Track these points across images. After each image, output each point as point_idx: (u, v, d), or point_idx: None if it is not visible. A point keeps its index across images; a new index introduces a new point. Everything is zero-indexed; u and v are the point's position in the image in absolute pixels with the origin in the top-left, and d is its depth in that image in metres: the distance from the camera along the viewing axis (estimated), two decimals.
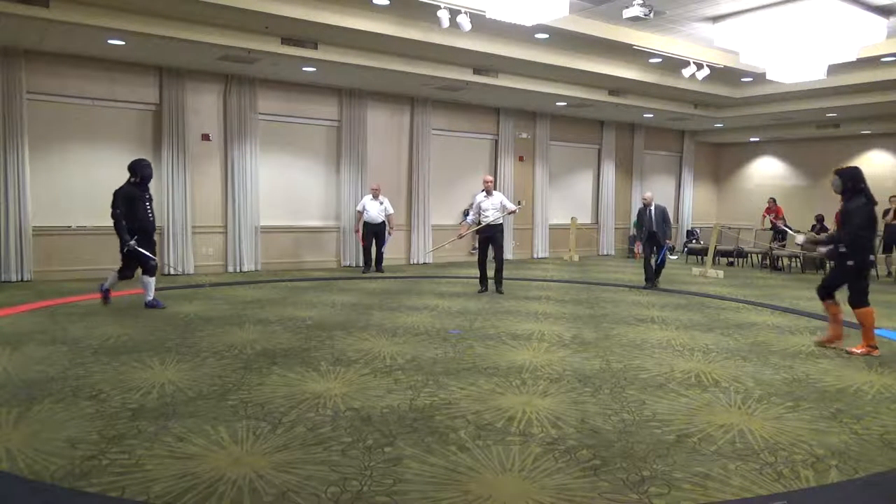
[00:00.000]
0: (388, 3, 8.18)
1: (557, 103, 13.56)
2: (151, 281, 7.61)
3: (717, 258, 13.72)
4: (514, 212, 9.45)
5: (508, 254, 14.37)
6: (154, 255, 7.61)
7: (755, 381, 5.05)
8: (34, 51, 9.41)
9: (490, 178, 9.54)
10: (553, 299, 8.91)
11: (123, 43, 8.84)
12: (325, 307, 7.92)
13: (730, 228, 15.09)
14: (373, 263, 11.61)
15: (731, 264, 14.39)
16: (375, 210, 11.36)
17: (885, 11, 8.23)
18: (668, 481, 3.23)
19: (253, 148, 11.27)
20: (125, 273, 7.58)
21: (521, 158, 14.89)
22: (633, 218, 14.55)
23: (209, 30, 8.60)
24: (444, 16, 7.82)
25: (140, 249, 7.37)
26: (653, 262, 10.25)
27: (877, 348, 5.99)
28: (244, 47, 8.94)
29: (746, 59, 9.69)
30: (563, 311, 8.02)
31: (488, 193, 9.17)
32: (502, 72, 11.24)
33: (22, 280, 9.44)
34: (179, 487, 3.05)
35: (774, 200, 15.88)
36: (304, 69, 10.38)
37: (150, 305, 7.55)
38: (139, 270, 7.60)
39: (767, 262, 13.86)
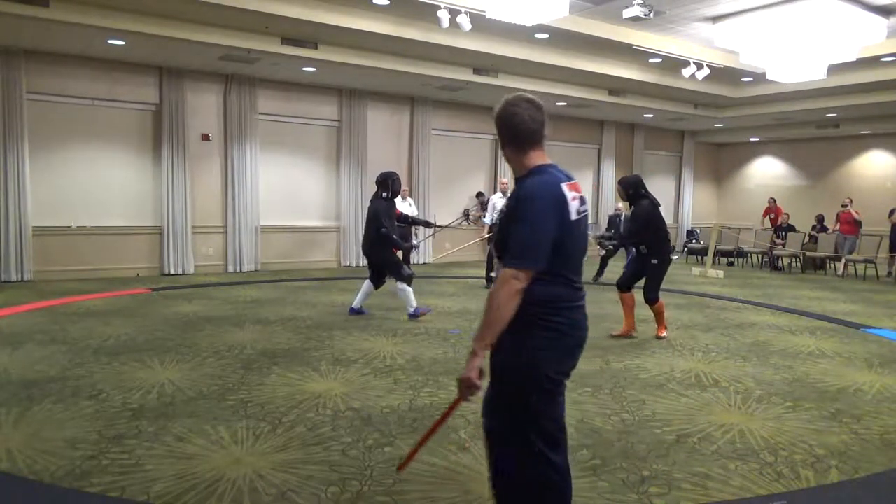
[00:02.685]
0: (388, 3, 8.18)
1: (557, 103, 13.54)
2: (409, 290, 7.20)
3: (717, 258, 13.73)
4: None
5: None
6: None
7: (755, 381, 5.05)
8: (34, 51, 9.41)
9: (506, 180, 9.68)
10: None
11: (123, 43, 8.84)
12: (325, 307, 7.92)
13: (730, 228, 15.10)
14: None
15: (731, 264, 14.39)
16: (405, 212, 10.94)
17: (885, 11, 8.23)
18: (668, 481, 3.23)
19: (253, 148, 11.27)
20: (377, 282, 7.39)
21: None
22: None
23: (209, 30, 8.60)
24: (444, 16, 7.82)
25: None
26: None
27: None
28: (244, 47, 8.94)
29: (746, 59, 9.69)
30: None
31: (504, 195, 9.28)
32: (502, 72, 11.23)
33: (22, 280, 9.44)
34: (179, 487, 3.05)
35: (774, 200, 15.89)
36: (304, 69, 10.38)
37: (412, 316, 7.15)
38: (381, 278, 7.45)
39: (767, 262, 13.86)
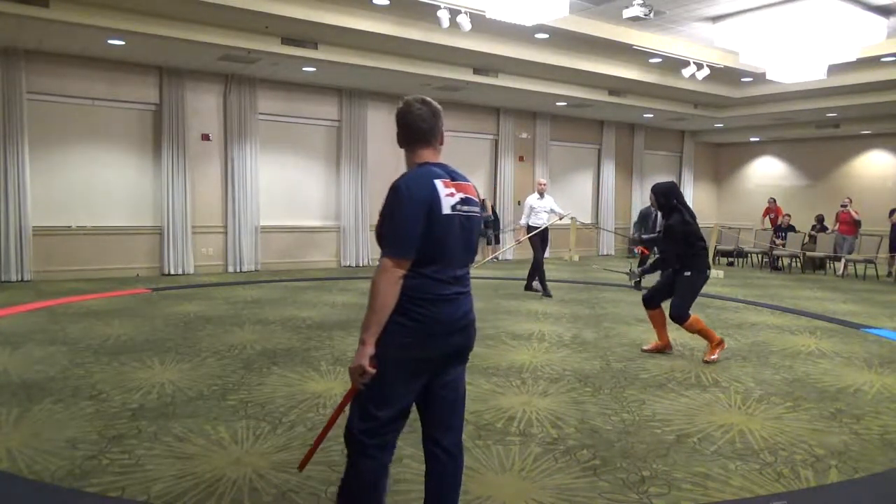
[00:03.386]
0: (388, 3, 8.18)
1: (557, 103, 13.56)
2: None
3: (717, 258, 13.73)
4: (561, 217, 9.44)
5: (508, 254, 14.40)
6: None
7: (755, 381, 5.05)
8: (34, 51, 9.41)
9: (544, 181, 9.51)
10: (553, 299, 8.90)
11: (123, 43, 8.84)
12: (325, 307, 7.92)
13: (730, 228, 15.10)
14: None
15: (731, 264, 14.39)
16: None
17: (885, 11, 8.23)
18: (668, 481, 3.23)
19: (253, 148, 11.28)
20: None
21: (521, 158, 14.89)
22: (634, 218, 14.48)
23: (209, 30, 8.60)
24: (444, 16, 7.82)
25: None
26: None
27: (723, 341, 5.77)
28: (244, 47, 8.94)
29: (746, 59, 9.69)
30: (563, 311, 8.02)
31: (541, 196, 9.15)
32: (502, 72, 11.24)
33: (22, 280, 9.44)
34: (179, 487, 3.05)
35: (774, 200, 15.90)
36: (304, 69, 10.38)
37: None
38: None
39: (767, 262, 13.87)
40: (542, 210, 9.06)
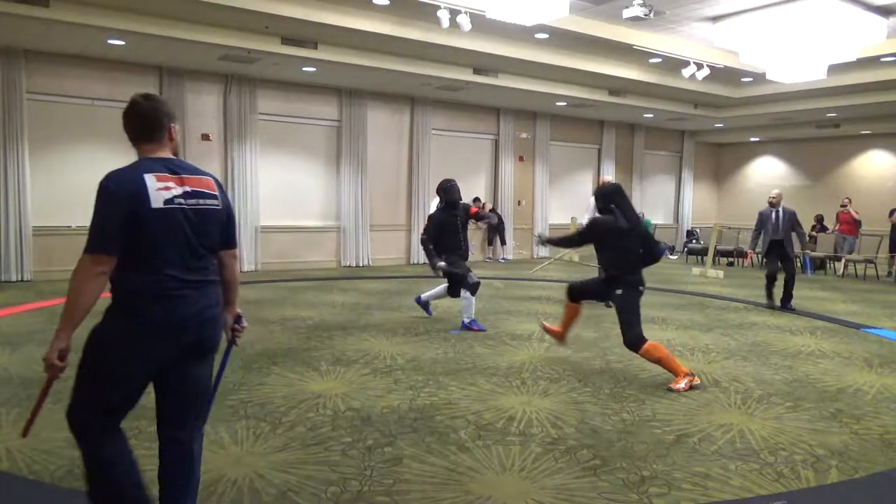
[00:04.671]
0: (388, 3, 8.18)
1: (557, 103, 13.56)
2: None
3: (717, 258, 13.73)
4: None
5: (509, 254, 14.39)
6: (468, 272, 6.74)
7: (755, 381, 5.05)
8: (34, 51, 9.41)
9: (609, 178, 8.80)
10: (553, 299, 8.90)
11: (123, 43, 8.84)
12: (325, 307, 7.92)
13: (730, 228, 15.10)
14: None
15: (731, 264, 14.39)
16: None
17: (885, 11, 8.23)
18: (668, 481, 3.23)
19: (253, 148, 11.28)
20: (452, 291, 6.89)
21: (521, 158, 14.89)
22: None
23: (209, 30, 8.60)
24: (444, 16, 7.82)
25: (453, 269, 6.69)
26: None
27: (694, 375, 4.90)
28: (244, 47, 8.94)
29: (746, 59, 9.69)
30: (563, 310, 8.00)
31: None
32: (502, 72, 11.24)
33: (22, 280, 9.44)
34: None
35: None
36: (304, 69, 10.38)
37: (464, 327, 6.74)
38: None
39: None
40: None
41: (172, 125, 2.35)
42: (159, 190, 2.20)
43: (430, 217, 6.89)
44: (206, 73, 10.81)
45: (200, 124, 10.95)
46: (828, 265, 13.52)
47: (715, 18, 8.88)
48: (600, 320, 7.43)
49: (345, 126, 12.24)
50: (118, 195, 2.14)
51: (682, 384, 4.71)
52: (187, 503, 2.44)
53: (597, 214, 7.17)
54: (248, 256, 11.31)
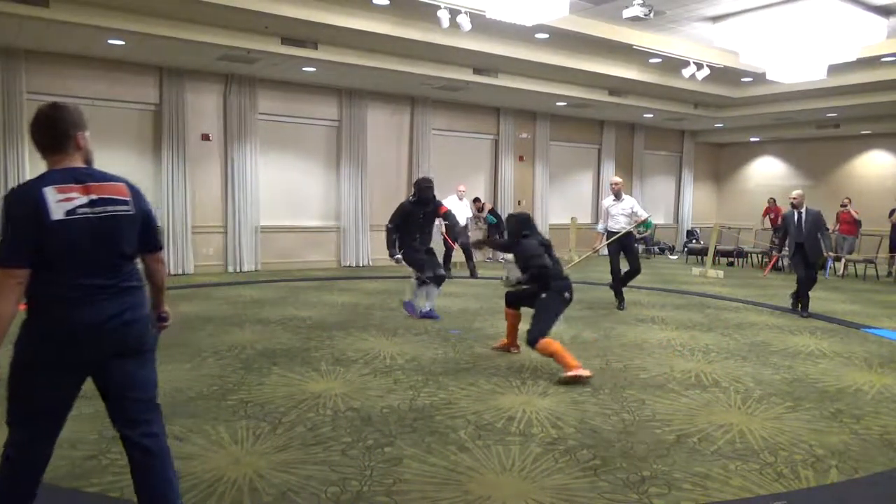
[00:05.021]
0: (388, 3, 8.18)
1: (557, 103, 13.55)
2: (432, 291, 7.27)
3: (717, 258, 13.73)
4: (644, 221, 8.34)
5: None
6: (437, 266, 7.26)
7: (755, 381, 5.05)
8: (34, 51, 9.41)
9: (618, 179, 8.49)
10: None
11: (123, 43, 8.84)
12: (325, 307, 7.92)
13: (730, 228, 15.10)
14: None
15: (731, 264, 14.39)
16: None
17: (885, 11, 8.22)
18: (668, 481, 3.23)
19: (253, 148, 11.27)
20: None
21: (521, 158, 14.89)
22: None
23: (209, 30, 8.60)
24: (444, 16, 7.82)
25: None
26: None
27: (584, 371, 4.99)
28: (244, 47, 8.94)
29: (746, 59, 9.68)
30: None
31: (617, 197, 8.31)
32: (502, 72, 11.23)
33: None
34: (179, 487, 3.04)
35: (774, 200, 15.90)
36: (304, 69, 10.38)
37: (415, 312, 7.29)
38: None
39: (767, 262, 13.86)
40: (620, 214, 8.26)
41: (80, 133, 2.33)
42: (60, 202, 2.20)
43: (400, 205, 7.25)
44: (206, 73, 10.80)
45: (200, 124, 10.95)
46: (827, 265, 13.50)
47: (715, 18, 8.88)
48: (600, 320, 7.43)
49: (345, 126, 12.24)
50: (17, 211, 2.17)
51: (570, 373, 4.89)
52: (167, 500, 2.43)
53: (622, 217, 8.31)
54: (248, 256, 11.30)
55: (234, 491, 3.03)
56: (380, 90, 12.30)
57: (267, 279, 10.39)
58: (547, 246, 5.44)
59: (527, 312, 5.41)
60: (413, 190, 7.33)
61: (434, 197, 7.26)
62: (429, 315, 7.24)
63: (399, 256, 7.08)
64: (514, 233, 5.56)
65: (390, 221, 7.12)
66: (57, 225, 2.19)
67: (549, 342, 5.04)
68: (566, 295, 5.30)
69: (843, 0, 7.78)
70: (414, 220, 7.14)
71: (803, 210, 8.09)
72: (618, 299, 8.39)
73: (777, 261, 8.52)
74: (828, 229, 8.05)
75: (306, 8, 8.16)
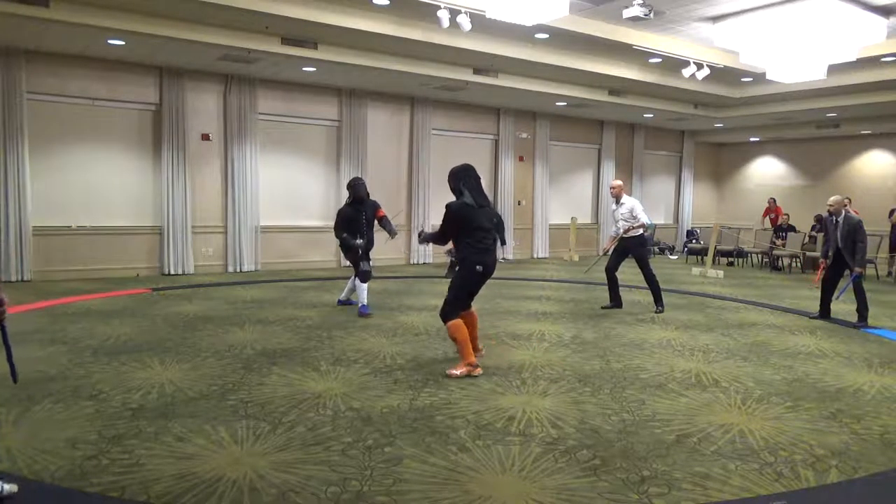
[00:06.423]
0: (388, 3, 8.18)
1: (557, 103, 13.55)
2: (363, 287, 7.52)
3: (717, 258, 13.73)
4: (642, 225, 8.06)
5: (509, 254, 14.35)
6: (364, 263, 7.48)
7: (755, 381, 5.05)
8: (34, 51, 9.41)
9: (615, 183, 8.30)
10: (553, 299, 8.91)
11: (123, 43, 8.84)
12: (325, 307, 7.92)
13: (730, 228, 15.10)
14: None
15: (731, 264, 14.39)
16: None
17: (885, 11, 8.23)
18: (668, 481, 3.23)
19: (253, 148, 11.27)
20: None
21: (521, 158, 14.89)
22: None
23: (209, 30, 8.60)
24: (444, 16, 7.82)
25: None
26: (837, 294, 7.83)
27: (478, 366, 5.05)
28: (244, 47, 8.94)
29: (746, 59, 9.68)
30: (563, 310, 8.02)
31: (616, 201, 8.20)
32: (502, 72, 11.24)
33: (22, 280, 9.44)
34: (179, 487, 3.05)
35: (774, 200, 15.90)
36: (304, 69, 10.38)
37: (360, 314, 7.39)
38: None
39: (767, 262, 13.86)
40: (619, 218, 8.14)
41: None
42: None
43: (339, 212, 7.52)
44: (206, 73, 10.80)
45: (200, 124, 10.95)
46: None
47: (715, 18, 8.88)
48: (600, 320, 7.43)
49: (345, 126, 12.24)
50: None
51: (459, 371, 4.93)
52: None
53: (622, 222, 8.05)
54: (248, 256, 11.31)
55: (234, 491, 3.03)
56: (380, 90, 12.30)
57: (267, 279, 10.39)
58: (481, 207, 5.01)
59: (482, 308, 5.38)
60: (349, 192, 7.44)
61: (368, 195, 7.48)
62: (347, 303, 7.80)
63: (360, 242, 7.32)
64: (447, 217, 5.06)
65: (337, 232, 7.35)
66: None
67: (459, 327, 4.95)
68: (478, 268, 4.98)
69: (843, 0, 7.78)
70: (357, 222, 7.34)
71: (840, 217, 7.49)
72: (613, 300, 8.31)
73: (824, 268, 7.93)
74: (863, 241, 7.44)
75: (306, 8, 8.16)
